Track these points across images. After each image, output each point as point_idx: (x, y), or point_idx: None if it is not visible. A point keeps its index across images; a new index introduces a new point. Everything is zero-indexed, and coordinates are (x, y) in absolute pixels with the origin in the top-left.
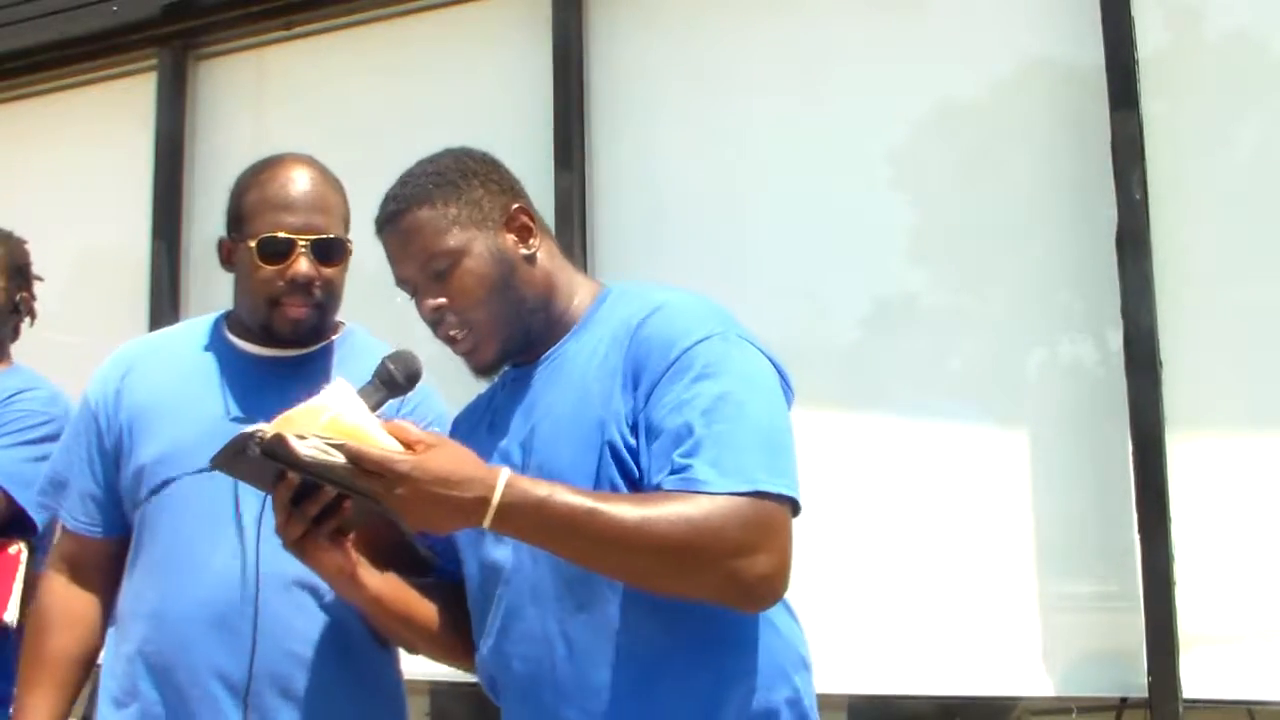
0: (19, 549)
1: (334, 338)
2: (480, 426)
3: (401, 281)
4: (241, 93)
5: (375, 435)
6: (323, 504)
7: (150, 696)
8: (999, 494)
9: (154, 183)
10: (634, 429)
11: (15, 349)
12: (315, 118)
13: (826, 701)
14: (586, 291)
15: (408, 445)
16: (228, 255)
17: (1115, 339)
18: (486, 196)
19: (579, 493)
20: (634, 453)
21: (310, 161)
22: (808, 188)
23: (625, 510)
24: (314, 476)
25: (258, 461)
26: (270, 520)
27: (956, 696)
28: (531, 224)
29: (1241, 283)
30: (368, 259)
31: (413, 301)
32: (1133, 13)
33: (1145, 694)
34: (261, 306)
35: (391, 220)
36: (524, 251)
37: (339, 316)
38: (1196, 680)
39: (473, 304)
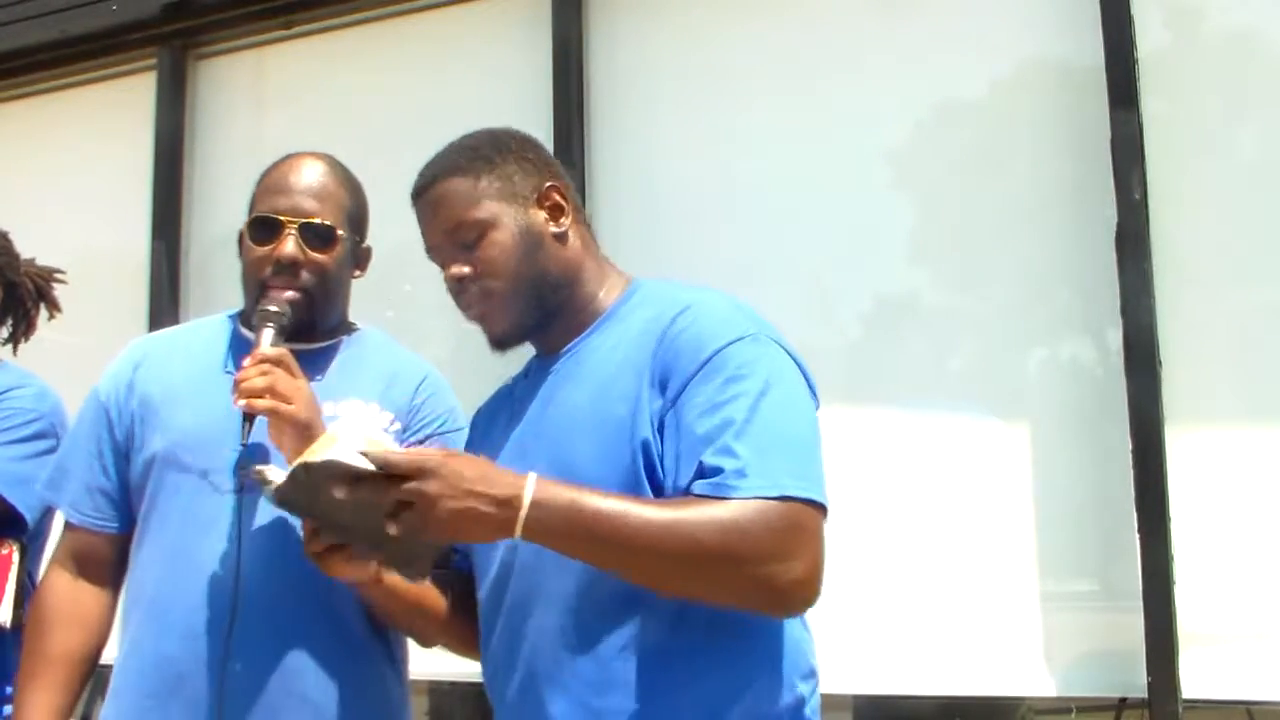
0: (10, 549)
1: (344, 336)
2: (499, 415)
3: (430, 250)
4: (241, 92)
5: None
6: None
7: (145, 688)
8: (999, 494)
9: (154, 182)
10: (659, 428)
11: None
12: (315, 118)
13: (828, 702)
14: (616, 284)
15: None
16: (240, 245)
17: (1115, 338)
18: (519, 173)
19: (607, 495)
20: (659, 454)
21: (325, 158)
22: (807, 187)
23: (654, 513)
24: (329, 523)
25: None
26: (260, 519)
27: (957, 696)
28: (564, 204)
29: (1241, 283)
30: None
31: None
32: (1132, 12)
33: (1145, 694)
34: (253, 291)
35: (424, 189)
36: (554, 230)
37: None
38: (1196, 680)
39: (496, 274)
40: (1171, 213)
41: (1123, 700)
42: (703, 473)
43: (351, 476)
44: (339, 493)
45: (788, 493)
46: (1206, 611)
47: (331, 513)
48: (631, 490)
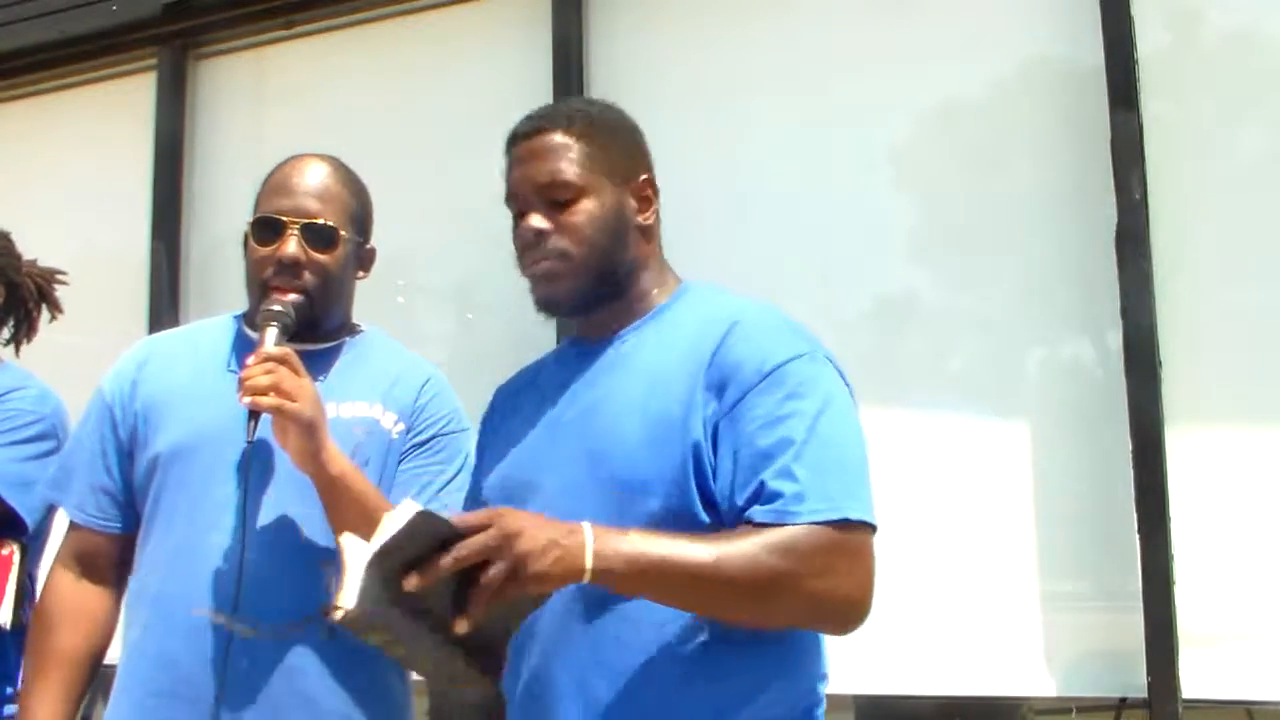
0: (11, 550)
1: (348, 337)
2: (527, 394)
3: (511, 196)
4: (241, 93)
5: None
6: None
7: (149, 686)
8: (999, 494)
9: (154, 182)
10: (713, 434)
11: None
12: (315, 118)
13: (831, 701)
14: (670, 285)
15: None
16: (245, 246)
17: (1115, 339)
18: (625, 154)
19: (653, 533)
20: (711, 460)
21: (329, 159)
22: (807, 188)
23: (711, 543)
24: (402, 635)
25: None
26: (264, 517)
27: (957, 696)
28: (653, 199)
29: (1241, 283)
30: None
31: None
32: (1132, 13)
33: (1145, 694)
34: (257, 291)
35: (532, 134)
36: (639, 220)
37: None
38: (1196, 680)
39: (579, 241)
40: (1171, 213)
41: (1123, 700)
42: (762, 495)
43: (434, 546)
44: (410, 583)
45: (843, 515)
46: (1206, 611)
47: (403, 619)
48: (676, 487)
